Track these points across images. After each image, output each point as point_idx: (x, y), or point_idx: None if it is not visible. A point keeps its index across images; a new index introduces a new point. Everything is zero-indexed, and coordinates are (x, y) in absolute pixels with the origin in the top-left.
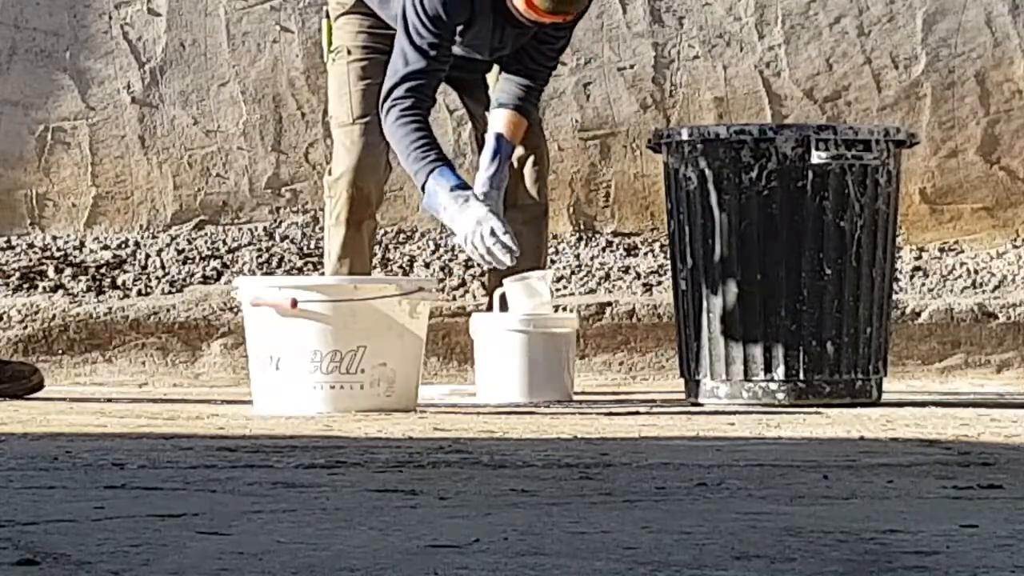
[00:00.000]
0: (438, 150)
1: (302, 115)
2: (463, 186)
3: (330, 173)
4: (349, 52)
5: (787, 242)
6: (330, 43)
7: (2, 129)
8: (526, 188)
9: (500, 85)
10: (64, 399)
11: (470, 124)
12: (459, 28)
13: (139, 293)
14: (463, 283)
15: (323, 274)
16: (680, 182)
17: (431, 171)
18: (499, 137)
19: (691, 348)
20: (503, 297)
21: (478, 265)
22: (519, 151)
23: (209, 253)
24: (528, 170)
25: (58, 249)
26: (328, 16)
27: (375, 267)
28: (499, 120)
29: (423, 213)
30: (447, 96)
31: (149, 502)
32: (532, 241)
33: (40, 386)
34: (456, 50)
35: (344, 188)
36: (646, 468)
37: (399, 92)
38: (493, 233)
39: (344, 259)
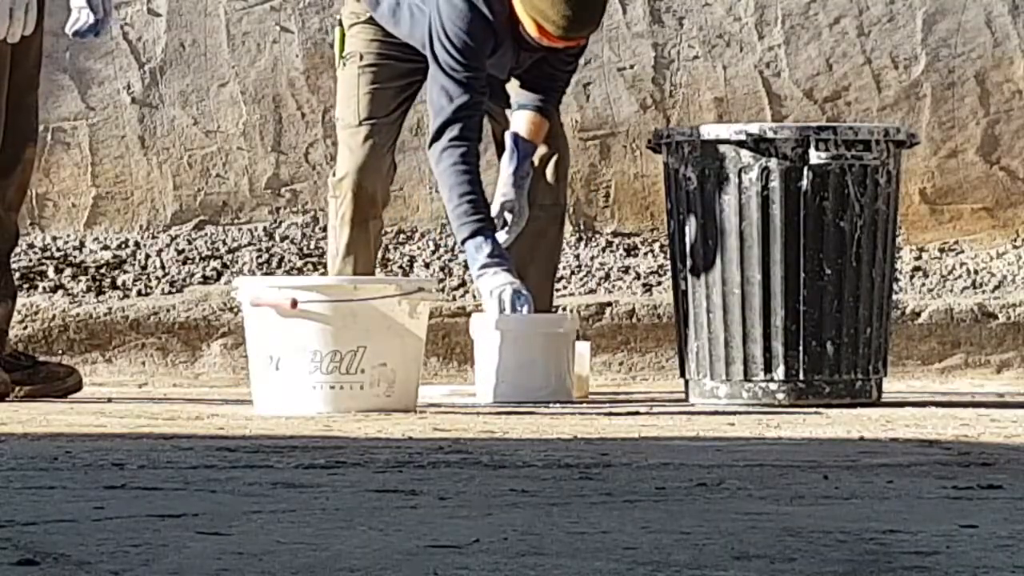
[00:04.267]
0: (486, 211)
1: (302, 115)
2: (499, 257)
3: (335, 174)
4: (361, 57)
5: (787, 242)
6: (342, 49)
7: None
8: (548, 188)
9: (520, 89)
10: (64, 399)
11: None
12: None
13: (139, 293)
14: (463, 283)
15: (323, 274)
16: (680, 182)
17: (474, 232)
18: (515, 136)
19: (691, 348)
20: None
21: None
22: (542, 150)
23: (209, 253)
24: (550, 170)
25: (58, 249)
26: (341, 24)
27: (375, 267)
28: (518, 121)
29: (423, 213)
30: None
31: (149, 502)
32: (552, 241)
33: (77, 388)
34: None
35: (348, 188)
36: (646, 468)
37: (453, 132)
38: (512, 304)
39: (348, 257)
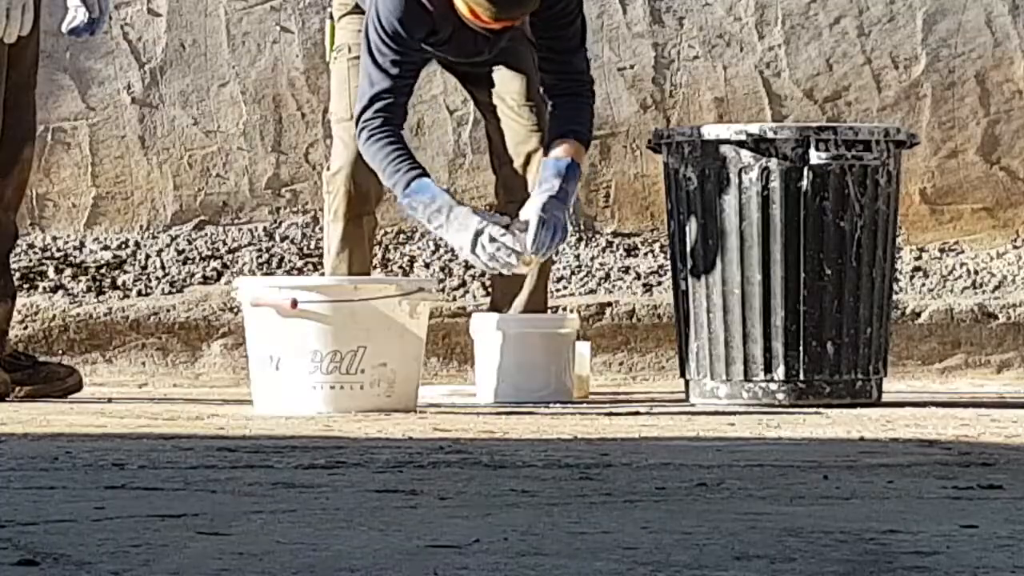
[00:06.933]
0: (414, 161)
1: (302, 115)
2: (445, 196)
3: (328, 169)
4: (350, 50)
5: (787, 242)
6: (332, 42)
7: None
8: None
9: (549, 123)
10: (64, 399)
11: (470, 125)
12: (426, 39)
13: (139, 293)
14: (463, 283)
15: (323, 274)
16: (680, 182)
17: (411, 180)
18: (546, 162)
19: (691, 348)
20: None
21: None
22: (531, 145)
23: (209, 253)
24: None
25: (58, 249)
26: (332, 17)
27: (375, 268)
28: (553, 149)
29: None
30: (447, 96)
31: (149, 502)
32: None
33: (77, 388)
34: (438, 53)
35: (342, 183)
36: (646, 468)
37: (368, 115)
38: (492, 240)
39: (343, 253)
